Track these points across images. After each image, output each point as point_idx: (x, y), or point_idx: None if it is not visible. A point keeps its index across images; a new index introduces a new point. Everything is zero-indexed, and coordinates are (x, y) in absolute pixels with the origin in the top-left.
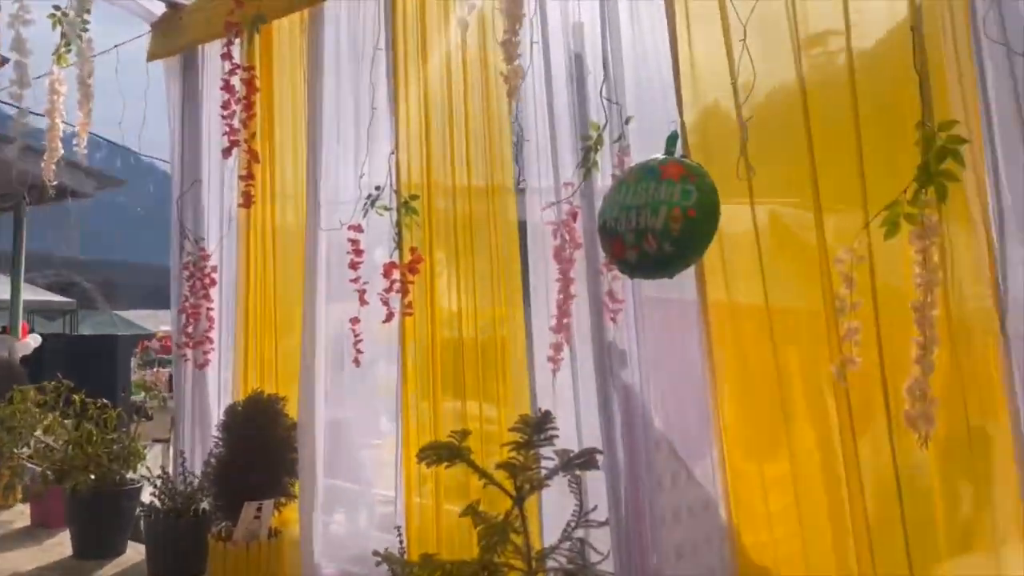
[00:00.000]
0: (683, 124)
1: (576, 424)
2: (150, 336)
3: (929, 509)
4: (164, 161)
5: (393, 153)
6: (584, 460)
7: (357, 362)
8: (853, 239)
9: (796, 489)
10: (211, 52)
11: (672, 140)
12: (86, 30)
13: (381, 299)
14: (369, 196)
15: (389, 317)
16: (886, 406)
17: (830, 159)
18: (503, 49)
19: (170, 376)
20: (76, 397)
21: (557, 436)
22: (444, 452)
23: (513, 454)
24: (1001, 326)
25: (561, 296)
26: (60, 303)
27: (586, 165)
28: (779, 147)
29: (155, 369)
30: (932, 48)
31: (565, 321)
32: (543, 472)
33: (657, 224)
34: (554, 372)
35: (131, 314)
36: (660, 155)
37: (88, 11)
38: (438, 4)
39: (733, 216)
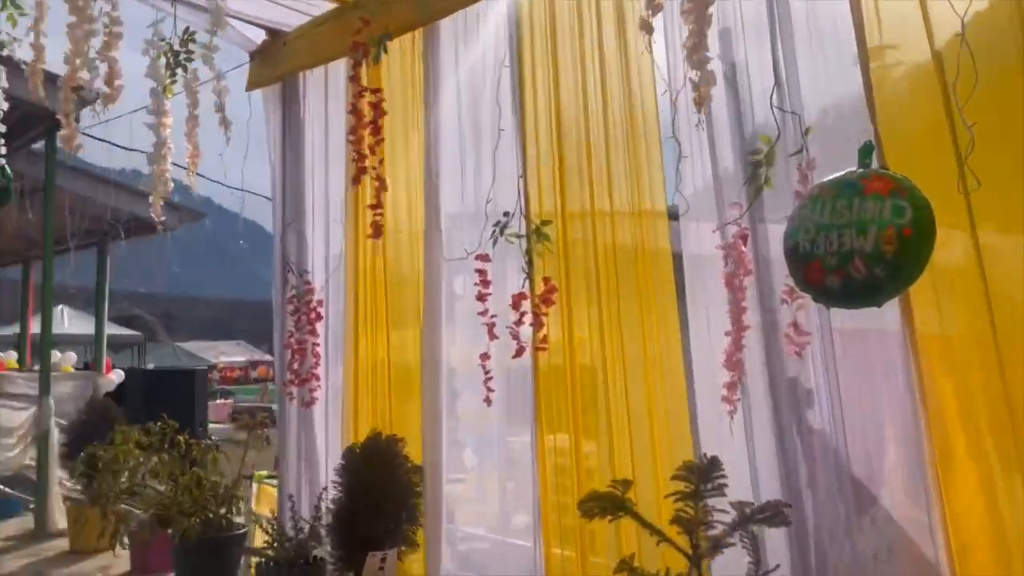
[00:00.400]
0: (877, 133)
1: (750, 472)
2: (211, 367)
3: None
4: (264, 197)
5: (521, 177)
6: (771, 515)
7: (488, 401)
8: None
9: None
10: (312, 80)
11: (867, 151)
12: (191, 60)
13: (511, 333)
14: (497, 223)
15: (519, 352)
16: None
17: None
18: (690, 54)
19: (233, 409)
20: (181, 438)
21: (726, 485)
22: (607, 504)
23: (680, 505)
24: None
25: (734, 328)
26: (128, 336)
27: (756, 183)
28: (998, 156)
29: (224, 400)
30: None
31: (737, 357)
32: (719, 527)
33: (866, 246)
34: (731, 414)
35: (191, 345)
36: (855, 168)
37: (194, 40)
38: (570, 13)
39: (943, 237)
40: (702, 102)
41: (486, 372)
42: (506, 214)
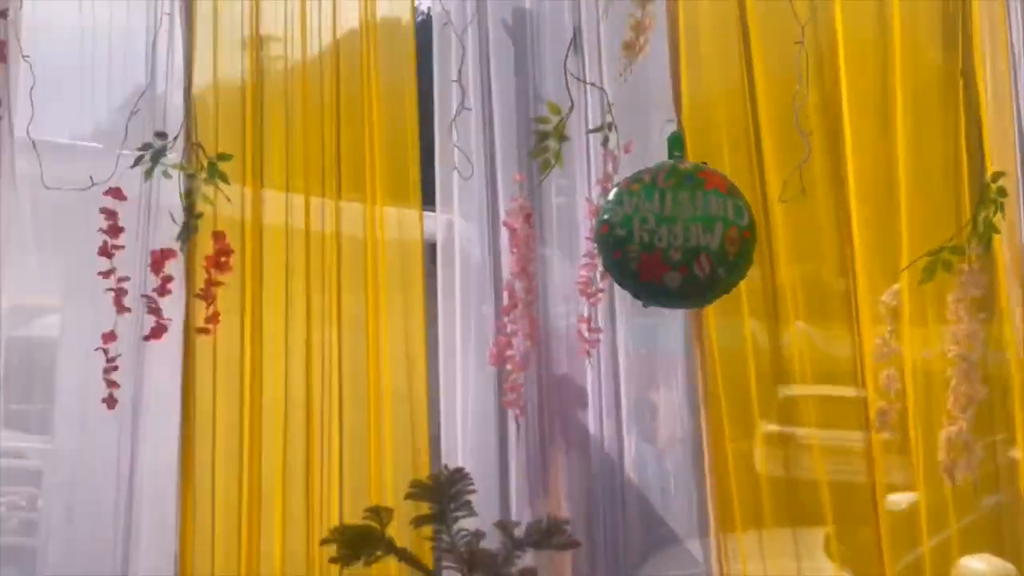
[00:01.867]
0: (681, 124)
1: (501, 485)
2: None
3: None
4: None
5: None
6: (552, 535)
7: (111, 402)
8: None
9: None
10: None
11: (678, 142)
12: None
13: (148, 304)
14: (147, 146)
15: (158, 332)
16: None
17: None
18: None
19: None
20: None
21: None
22: (356, 538)
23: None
24: None
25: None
26: None
27: (542, 156)
28: None
29: None
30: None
31: (510, 353)
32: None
33: (713, 243)
34: (517, 419)
35: None
36: (681, 160)
37: None
38: None
39: None
40: None
41: (109, 360)
42: (161, 136)
